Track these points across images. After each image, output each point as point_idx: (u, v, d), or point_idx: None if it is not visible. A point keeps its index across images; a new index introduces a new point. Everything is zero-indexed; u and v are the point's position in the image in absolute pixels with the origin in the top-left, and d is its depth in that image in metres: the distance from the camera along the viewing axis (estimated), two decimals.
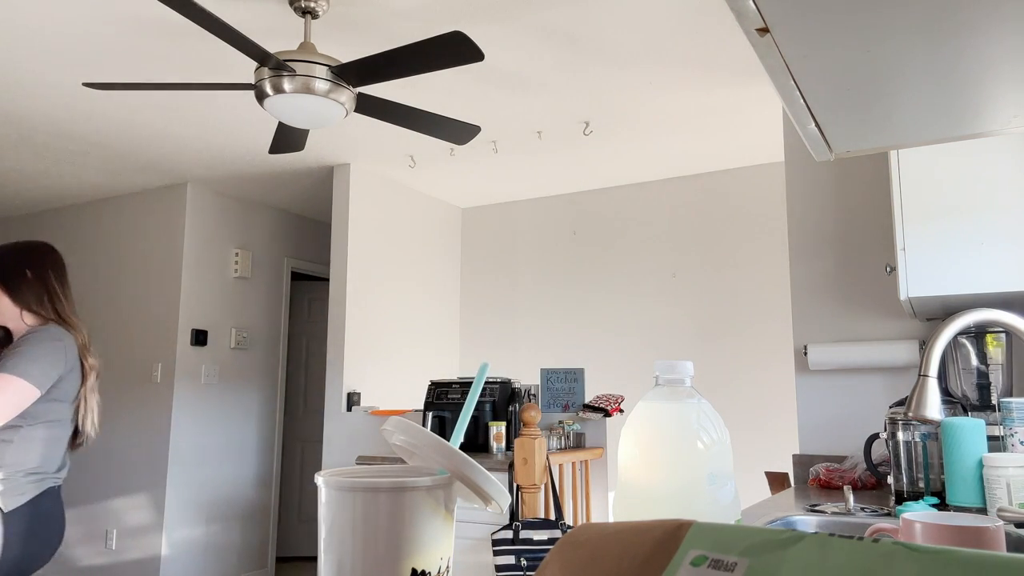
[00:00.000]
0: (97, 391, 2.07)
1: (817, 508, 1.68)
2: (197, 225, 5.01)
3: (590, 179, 4.93)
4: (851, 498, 1.69)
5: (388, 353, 4.82)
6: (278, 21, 2.87)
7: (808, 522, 1.58)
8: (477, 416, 3.60)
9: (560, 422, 3.65)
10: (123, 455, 4.89)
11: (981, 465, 1.50)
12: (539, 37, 3.03)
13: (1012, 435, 1.61)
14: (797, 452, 2.47)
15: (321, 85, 2.52)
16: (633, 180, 4.94)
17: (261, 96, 2.57)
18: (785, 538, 0.38)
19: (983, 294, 1.80)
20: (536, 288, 5.25)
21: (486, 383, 3.68)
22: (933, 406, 1.31)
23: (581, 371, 3.81)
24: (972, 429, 1.53)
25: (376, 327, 4.74)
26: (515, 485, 3.05)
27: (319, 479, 0.63)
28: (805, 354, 2.42)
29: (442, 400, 3.75)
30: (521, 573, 2.82)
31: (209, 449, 4.95)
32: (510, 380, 3.76)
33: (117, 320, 5.13)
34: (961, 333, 2.03)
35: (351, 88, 2.61)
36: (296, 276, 5.84)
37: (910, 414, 1.32)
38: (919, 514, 0.82)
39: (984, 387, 2.00)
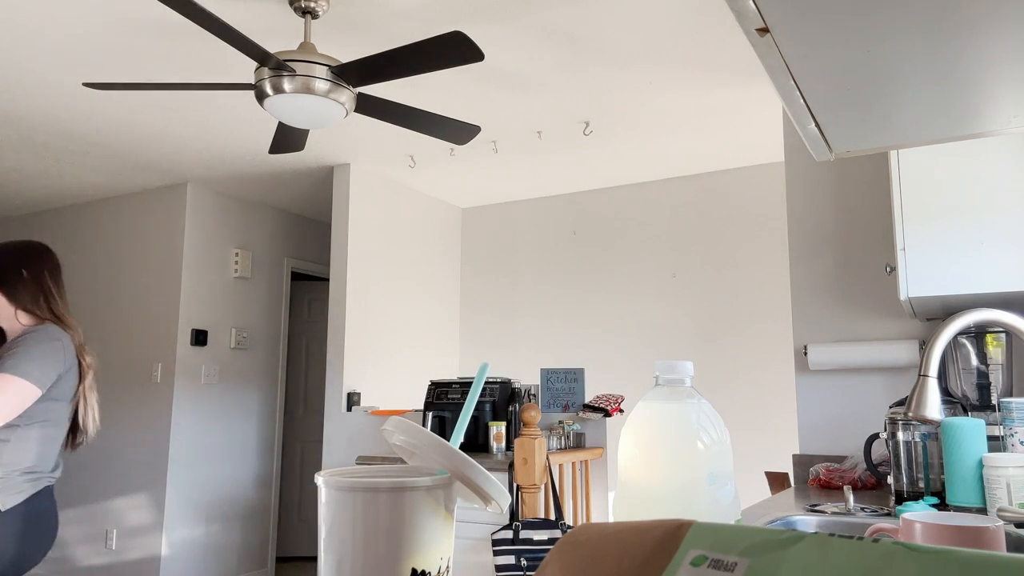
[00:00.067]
0: (95, 389, 2.08)
1: (817, 508, 1.68)
2: (197, 225, 5.01)
3: (590, 179, 4.93)
4: (851, 498, 1.69)
5: (388, 353, 4.82)
6: (278, 21, 2.87)
7: (808, 522, 1.58)
8: (477, 416, 3.60)
9: (560, 422, 3.65)
10: (123, 455, 4.89)
11: (981, 465, 1.50)
12: (539, 37, 3.03)
13: (1012, 435, 1.61)
14: (797, 452, 2.47)
15: (321, 85, 2.52)
16: (633, 180, 4.94)
17: (261, 96, 2.57)
18: (785, 538, 0.38)
19: (983, 294, 1.80)
20: (536, 288, 5.25)
21: (486, 383, 3.68)
22: (933, 406, 1.31)
23: (581, 371, 3.81)
24: (972, 429, 1.53)
25: (376, 327, 4.74)
26: (515, 485, 3.05)
27: (319, 479, 0.63)
28: (805, 354, 2.42)
29: (442, 400, 3.75)
30: (521, 573, 2.82)
31: (209, 449, 4.95)
32: (510, 380, 3.76)
33: (117, 320, 5.13)
34: (961, 333, 2.03)
35: (351, 88, 2.61)
36: (296, 276, 5.84)
37: (910, 414, 1.32)
38: (919, 514, 0.82)
39: (984, 387, 2.00)
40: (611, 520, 0.51)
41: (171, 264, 4.93)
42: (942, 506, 1.63)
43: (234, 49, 2.73)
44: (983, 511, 1.47)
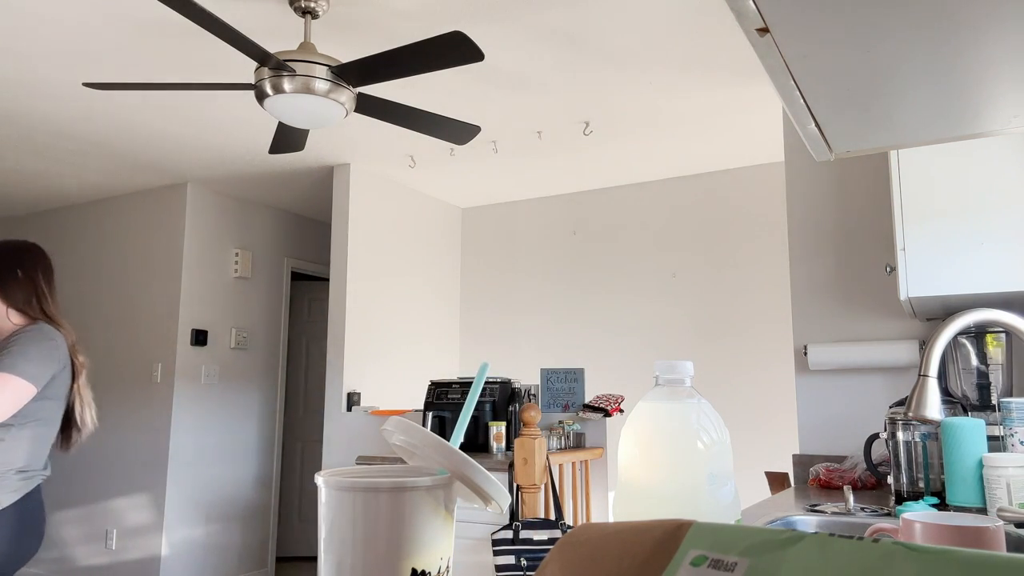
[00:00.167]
0: (89, 386, 2.11)
1: (817, 508, 1.69)
2: (197, 225, 5.01)
3: (590, 179, 4.93)
4: (851, 498, 1.69)
5: (388, 353, 4.82)
6: (278, 21, 2.87)
7: (808, 522, 1.58)
8: (477, 416, 3.60)
9: (560, 422, 3.65)
10: (123, 455, 4.89)
11: (981, 465, 1.50)
12: (539, 37, 3.03)
13: (1012, 435, 1.61)
14: (797, 452, 2.47)
15: (321, 85, 2.52)
16: (633, 180, 4.94)
17: (261, 96, 2.57)
18: (785, 538, 0.38)
19: (983, 294, 1.80)
20: (536, 288, 5.25)
21: (486, 383, 3.68)
22: (933, 406, 1.31)
23: (581, 371, 3.81)
24: (972, 429, 1.53)
25: (376, 327, 4.74)
26: (515, 485, 3.05)
27: (319, 479, 0.63)
28: (805, 354, 2.42)
29: (442, 400, 3.75)
30: (521, 573, 2.82)
31: (209, 449, 4.95)
32: (510, 380, 3.76)
33: (117, 320, 5.13)
34: (961, 333, 2.03)
35: (351, 88, 2.61)
36: (296, 276, 5.85)
37: (910, 414, 1.32)
38: (919, 514, 0.82)
39: (984, 387, 2.00)
40: (611, 520, 0.51)
41: (171, 264, 4.93)
42: (942, 506, 1.63)
43: (234, 49, 2.73)
44: (983, 511, 1.47)
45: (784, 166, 2.66)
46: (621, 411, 3.71)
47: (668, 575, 0.40)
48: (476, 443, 3.59)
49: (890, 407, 1.83)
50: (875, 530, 0.92)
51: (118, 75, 3.36)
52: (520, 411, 3.18)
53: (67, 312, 5.36)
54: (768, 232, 4.54)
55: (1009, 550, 0.95)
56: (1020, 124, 0.99)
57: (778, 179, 4.52)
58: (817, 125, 1.01)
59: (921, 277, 1.84)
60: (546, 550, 2.85)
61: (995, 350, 2.00)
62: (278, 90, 2.51)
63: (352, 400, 4.45)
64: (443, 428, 3.68)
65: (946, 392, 2.04)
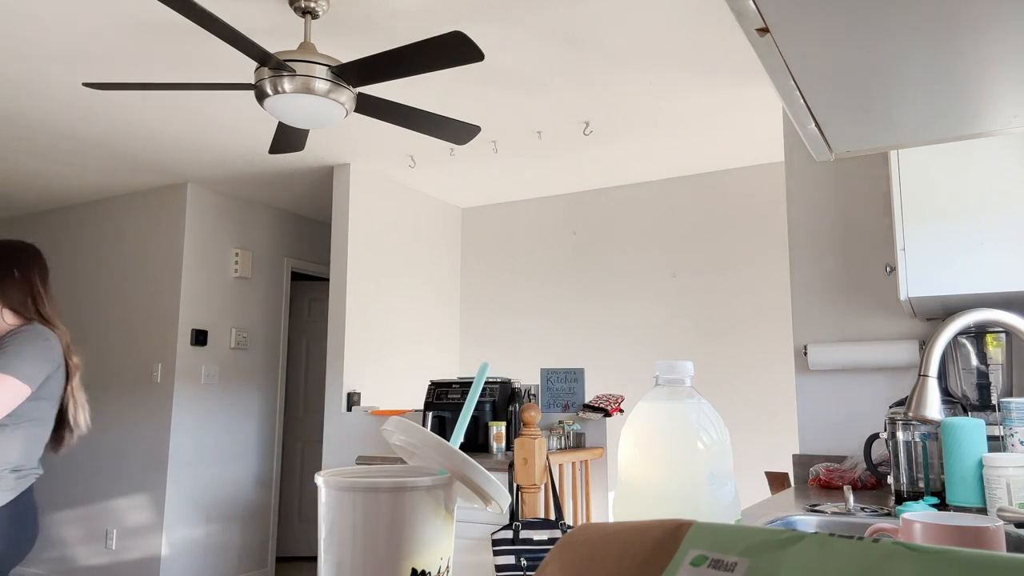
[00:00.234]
0: (82, 388, 2.12)
1: (817, 508, 1.68)
2: (197, 225, 5.01)
3: (590, 179, 4.93)
4: (851, 498, 1.69)
5: (388, 353, 4.82)
6: (278, 21, 2.87)
7: (808, 522, 1.58)
8: (477, 416, 3.60)
9: (560, 422, 3.65)
10: (123, 455, 4.89)
11: (981, 465, 1.50)
12: (539, 37, 3.03)
13: (1012, 435, 1.61)
14: (797, 452, 2.47)
15: (321, 85, 2.52)
16: (633, 180, 4.94)
17: (261, 96, 2.57)
18: (785, 538, 0.38)
19: (983, 294, 1.80)
20: (536, 288, 5.25)
21: (486, 383, 3.68)
22: (933, 406, 1.31)
23: (581, 371, 3.81)
24: (972, 429, 1.53)
25: (376, 327, 4.74)
26: (515, 485, 3.05)
27: (319, 479, 0.63)
28: (805, 354, 2.42)
29: (442, 400, 3.75)
30: (521, 573, 2.82)
31: (209, 449, 4.95)
32: (510, 380, 3.76)
33: (117, 320, 5.13)
34: (961, 333, 2.03)
35: (351, 88, 2.61)
36: (296, 276, 5.84)
37: (910, 414, 1.32)
38: (919, 514, 0.82)
39: (984, 387, 2.00)
40: (611, 520, 0.51)
41: (171, 264, 4.93)
42: (942, 506, 1.63)
43: (234, 49, 2.73)
44: (983, 511, 1.47)
45: (784, 166, 2.66)
46: (621, 411, 3.71)
47: (668, 575, 0.40)
48: (476, 443, 3.59)
49: (890, 407, 1.83)
50: (875, 530, 0.92)
51: (118, 75, 3.36)
52: (520, 411, 3.18)
53: (67, 312, 5.36)
54: (768, 232, 4.54)
55: (1009, 550, 0.95)
56: (1020, 124, 0.99)
57: (778, 179, 4.52)
58: (817, 125, 1.01)
59: (921, 277, 1.84)
60: (546, 550, 2.85)
61: (995, 350, 2.00)
62: (278, 90, 2.51)
63: (352, 400, 4.45)
64: (443, 428, 3.68)
65: (946, 392, 2.04)
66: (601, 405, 3.68)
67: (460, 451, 0.64)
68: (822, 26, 0.74)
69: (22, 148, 4.34)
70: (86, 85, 2.68)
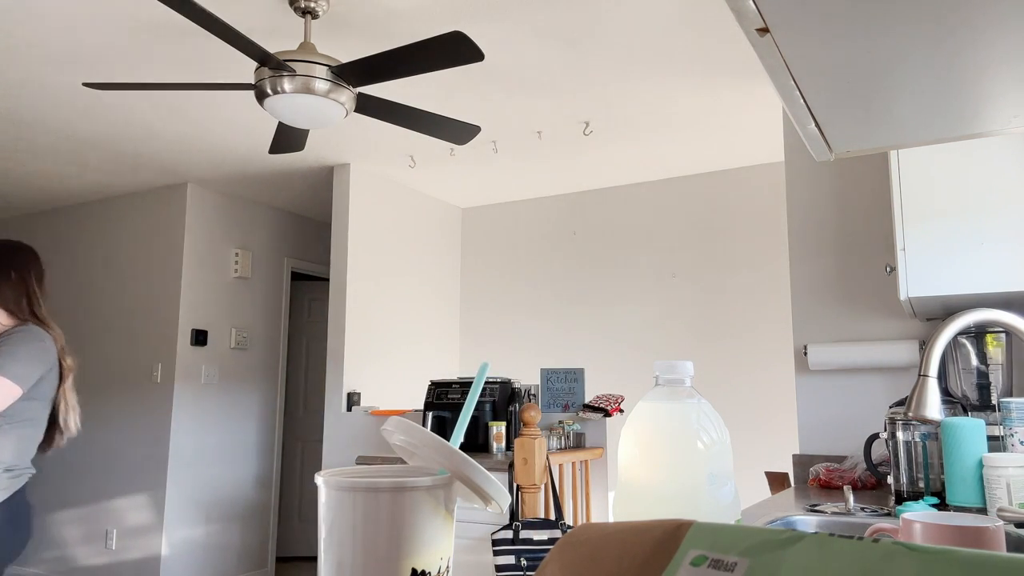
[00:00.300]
0: (75, 390, 2.12)
1: (817, 508, 1.68)
2: (197, 225, 5.01)
3: (590, 179, 4.93)
4: (851, 498, 1.69)
5: (388, 353, 4.82)
6: (278, 21, 2.87)
7: (808, 522, 1.58)
8: (477, 416, 3.60)
9: (560, 422, 3.65)
10: (123, 455, 4.89)
11: (981, 465, 1.50)
12: (539, 37, 3.03)
13: (1012, 435, 1.61)
14: (797, 452, 2.47)
15: (321, 85, 2.52)
16: (633, 180, 4.94)
17: (261, 96, 2.57)
18: (785, 538, 0.38)
19: (983, 294, 1.80)
20: (536, 288, 5.25)
21: (486, 383, 3.68)
22: (933, 406, 1.31)
23: (581, 371, 3.81)
24: (972, 429, 1.53)
25: (376, 327, 4.74)
26: (515, 485, 3.05)
27: (319, 479, 0.63)
28: (805, 354, 2.42)
29: (442, 400, 3.75)
30: (521, 573, 2.82)
31: (209, 449, 4.95)
32: (510, 380, 3.76)
33: (117, 320, 5.13)
34: (961, 333, 2.03)
35: (351, 88, 2.61)
36: (296, 276, 5.84)
37: (910, 414, 1.32)
38: (919, 514, 0.82)
39: (984, 387, 2.00)
40: (611, 520, 0.51)
41: (171, 264, 4.93)
42: (942, 506, 1.63)
43: (234, 49, 2.73)
44: (983, 511, 1.47)
45: (784, 166, 2.66)
46: (621, 411, 3.71)
47: (668, 575, 0.40)
48: (476, 443, 3.59)
49: (890, 407, 1.83)
50: (875, 530, 0.92)
51: (118, 75, 3.36)
52: (520, 411, 3.18)
53: (67, 312, 5.36)
54: (768, 232, 4.54)
55: (1009, 550, 0.94)
56: (1020, 124, 0.99)
57: (778, 179, 4.52)
58: (817, 125, 1.01)
59: (921, 277, 1.84)
60: (546, 550, 2.85)
61: (995, 350, 2.00)
62: (278, 90, 2.51)
63: (352, 400, 4.45)
64: (443, 428, 3.68)
65: (946, 392, 2.04)
66: (601, 405, 3.68)
67: (460, 451, 0.64)
68: (822, 26, 0.74)
69: (22, 148, 4.34)
70: (86, 85, 2.68)
